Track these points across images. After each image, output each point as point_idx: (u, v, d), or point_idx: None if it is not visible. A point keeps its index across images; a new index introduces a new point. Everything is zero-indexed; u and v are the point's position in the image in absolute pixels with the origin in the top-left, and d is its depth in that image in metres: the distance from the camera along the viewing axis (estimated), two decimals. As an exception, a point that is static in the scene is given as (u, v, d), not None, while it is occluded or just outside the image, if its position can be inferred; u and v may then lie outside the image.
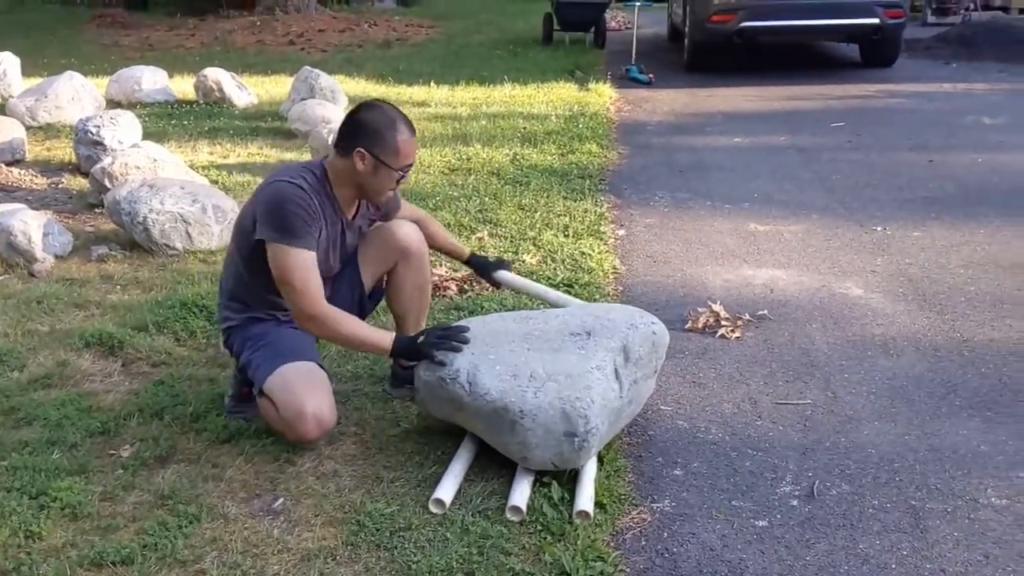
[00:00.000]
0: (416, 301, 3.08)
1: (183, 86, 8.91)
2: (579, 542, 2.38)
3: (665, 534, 2.46)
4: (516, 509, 2.49)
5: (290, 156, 6.42)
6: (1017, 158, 6.23)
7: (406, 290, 3.04)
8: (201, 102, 8.35)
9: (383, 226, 3.04)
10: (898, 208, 5.25)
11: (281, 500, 2.59)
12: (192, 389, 3.19)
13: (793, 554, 2.37)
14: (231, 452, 2.81)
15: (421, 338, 2.78)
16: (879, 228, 4.90)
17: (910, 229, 4.87)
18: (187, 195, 4.58)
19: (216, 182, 5.67)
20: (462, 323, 2.89)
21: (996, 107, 7.98)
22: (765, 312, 3.83)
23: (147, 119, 7.49)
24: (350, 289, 3.02)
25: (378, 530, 2.44)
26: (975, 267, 4.31)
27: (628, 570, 2.32)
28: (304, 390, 2.70)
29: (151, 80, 8.55)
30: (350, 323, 2.74)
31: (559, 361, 2.67)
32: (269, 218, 2.68)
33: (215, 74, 8.41)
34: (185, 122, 7.55)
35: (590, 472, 2.63)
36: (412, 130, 2.80)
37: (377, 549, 2.37)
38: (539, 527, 2.45)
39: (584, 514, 2.47)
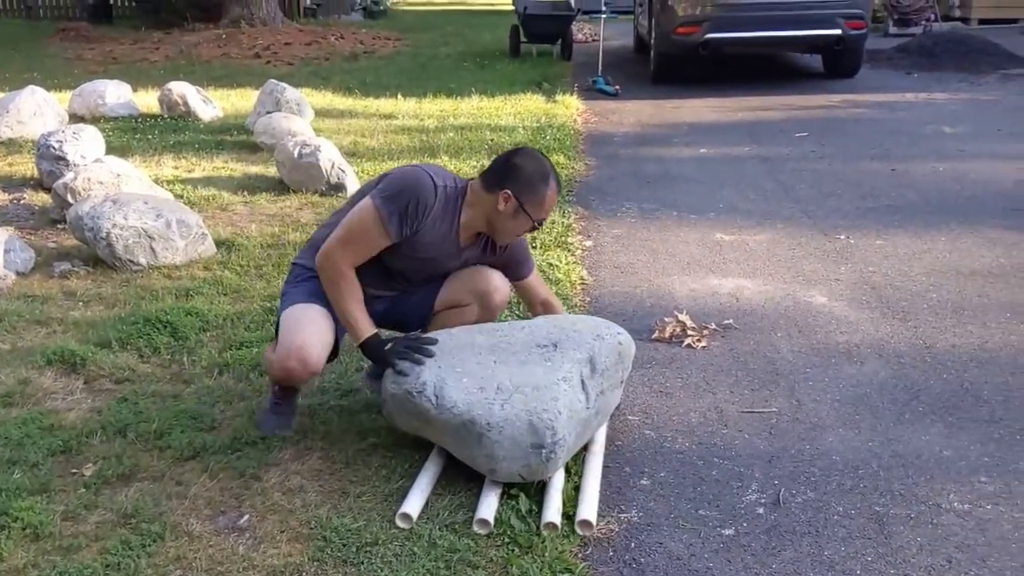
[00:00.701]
0: None
1: (147, 100, 8.85)
2: (546, 554, 2.37)
3: (632, 544, 2.46)
4: (483, 522, 2.48)
5: (255, 169, 6.39)
6: (977, 166, 6.33)
7: (455, 325, 3.00)
8: (166, 116, 8.29)
9: (487, 271, 3.02)
10: (861, 217, 5.31)
11: (246, 517, 2.56)
12: (156, 406, 3.16)
13: (759, 562, 2.38)
14: (195, 469, 2.79)
15: (389, 345, 2.78)
16: (842, 237, 4.95)
17: (873, 237, 4.93)
18: (151, 210, 4.54)
19: (181, 197, 5.63)
20: (430, 335, 2.89)
21: (956, 116, 8.11)
22: (731, 321, 3.86)
23: (111, 133, 7.42)
24: (420, 306, 3.04)
25: (344, 545, 2.42)
26: (937, 274, 4.37)
27: (596, 581, 2.32)
28: (301, 328, 2.76)
29: (115, 94, 8.47)
30: (348, 293, 2.76)
31: (526, 373, 2.67)
32: (390, 185, 2.75)
33: (180, 88, 8.36)
34: (149, 136, 7.49)
35: (557, 484, 2.63)
36: (560, 187, 2.87)
37: (344, 565, 2.36)
38: (506, 540, 2.44)
39: (552, 526, 2.47)
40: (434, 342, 2.80)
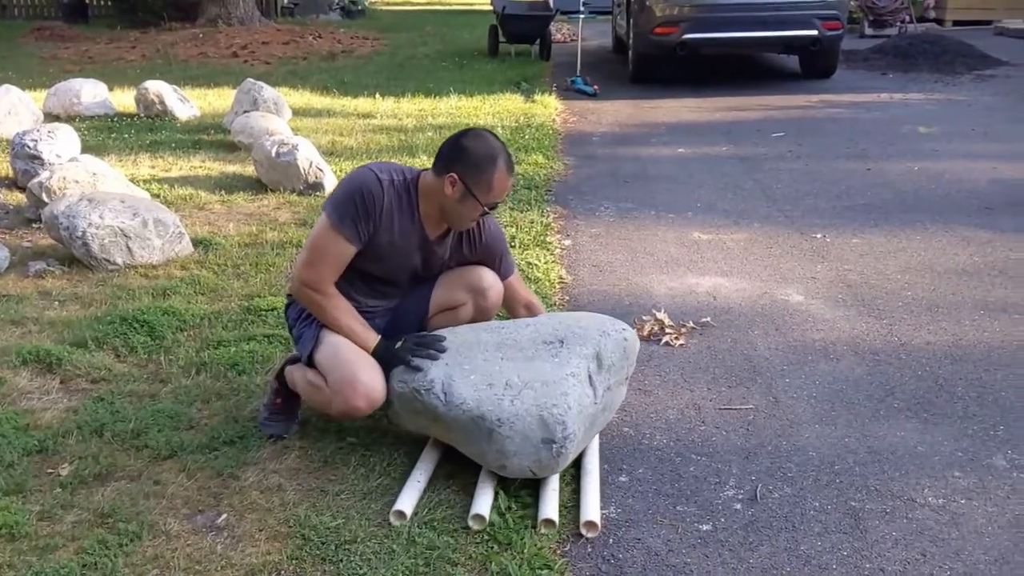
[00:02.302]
0: None
1: (124, 99, 8.79)
2: (526, 550, 2.38)
3: (611, 540, 2.47)
4: (479, 517, 2.49)
5: (233, 169, 6.36)
6: (951, 166, 6.39)
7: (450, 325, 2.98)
8: (142, 115, 8.24)
9: (480, 268, 2.99)
10: (837, 216, 5.35)
11: (224, 516, 2.56)
12: (133, 405, 3.14)
13: (736, 557, 2.40)
14: (173, 468, 2.78)
15: (399, 344, 2.76)
16: (819, 235, 4.99)
17: (849, 236, 4.97)
18: (127, 209, 4.51)
19: (158, 196, 5.60)
20: (437, 333, 2.87)
21: (931, 116, 8.18)
22: (708, 319, 3.88)
23: (86, 133, 7.37)
24: (416, 311, 3.01)
25: (323, 544, 2.42)
26: (912, 272, 4.41)
27: (574, 577, 2.33)
28: (356, 361, 2.70)
29: (91, 93, 8.41)
30: (340, 310, 2.74)
31: (533, 369, 2.67)
32: (336, 193, 2.74)
33: (156, 87, 8.31)
34: (126, 135, 7.44)
35: (553, 481, 2.63)
36: (511, 169, 2.78)
37: (322, 563, 2.36)
38: (486, 537, 2.45)
39: (550, 522, 2.48)
40: (443, 339, 2.79)
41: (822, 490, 2.68)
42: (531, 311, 3.09)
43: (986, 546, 2.42)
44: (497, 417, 2.56)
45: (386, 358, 2.77)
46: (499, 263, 3.02)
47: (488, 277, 2.98)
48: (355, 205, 2.67)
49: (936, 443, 2.92)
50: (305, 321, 2.85)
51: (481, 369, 2.68)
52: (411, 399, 2.69)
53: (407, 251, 2.82)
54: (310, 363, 2.78)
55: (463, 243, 2.93)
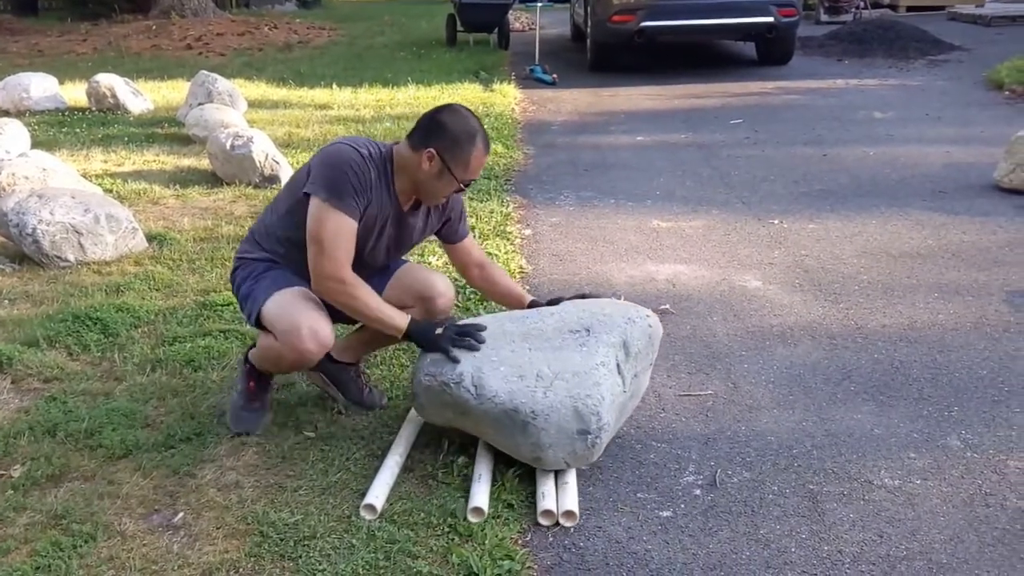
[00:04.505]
0: (382, 343, 3.02)
1: (75, 93, 8.64)
2: (487, 542, 2.37)
3: (572, 529, 2.47)
4: (478, 510, 2.48)
5: (187, 163, 6.28)
6: (906, 151, 6.46)
7: None
8: (94, 109, 8.11)
9: (422, 269, 3.00)
10: (794, 201, 5.39)
11: (181, 514, 2.52)
12: (86, 404, 3.09)
13: (697, 542, 2.41)
14: (128, 467, 2.73)
15: (439, 330, 2.72)
16: (776, 221, 5.02)
17: (805, 221, 5.01)
18: (79, 205, 4.43)
19: (111, 191, 5.51)
20: (476, 321, 2.83)
21: (885, 102, 8.27)
22: (668, 306, 3.89)
23: (36, 127, 7.24)
24: None
25: (282, 540, 2.39)
26: (868, 256, 4.45)
27: (536, 567, 2.33)
28: (297, 308, 2.66)
29: (40, 87, 8.27)
30: (366, 294, 2.68)
31: (562, 359, 2.64)
32: (321, 173, 2.63)
33: (108, 80, 8.18)
34: (77, 130, 7.31)
35: (548, 473, 2.63)
36: (488, 146, 2.75)
37: (281, 559, 2.33)
38: (446, 529, 2.44)
39: (549, 513, 2.49)
40: (483, 328, 2.75)
41: (780, 474, 2.70)
42: (483, 271, 3.07)
43: (941, 525, 2.45)
44: (531, 409, 2.54)
45: (423, 341, 2.72)
46: (458, 224, 3.00)
47: (439, 285, 2.97)
48: (348, 180, 2.61)
49: (892, 425, 2.96)
50: (254, 278, 2.80)
51: (510, 360, 2.64)
52: (439, 392, 2.64)
53: (387, 226, 2.79)
54: (258, 325, 2.76)
55: (431, 212, 2.90)
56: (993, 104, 8.08)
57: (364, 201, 2.65)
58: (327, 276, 2.64)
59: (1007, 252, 4.43)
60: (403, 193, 2.77)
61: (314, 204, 2.63)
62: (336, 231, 2.61)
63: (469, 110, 2.77)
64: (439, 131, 2.67)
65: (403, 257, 3.07)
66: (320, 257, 2.63)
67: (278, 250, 2.83)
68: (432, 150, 2.65)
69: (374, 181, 2.67)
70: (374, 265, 2.88)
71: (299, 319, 2.64)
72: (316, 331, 2.64)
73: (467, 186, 2.76)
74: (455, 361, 2.64)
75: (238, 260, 2.92)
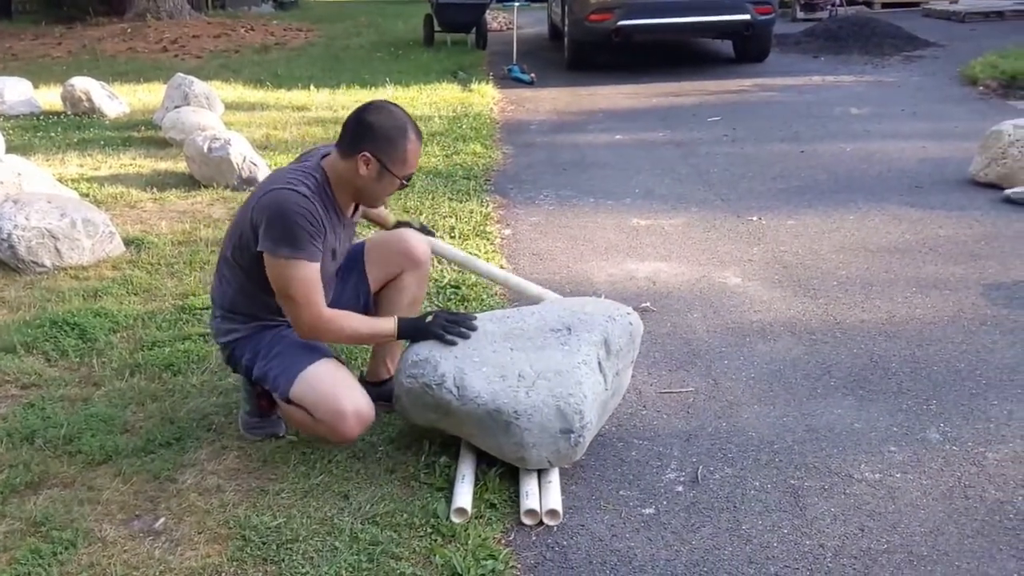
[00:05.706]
0: (405, 312, 2.96)
1: (49, 97, 8.57)
2: (470, 542, 2.37)
3: (555, 527, 2.47)
4: (461, 511, 2.47)
5: (164, 166, 6.24)
6: (882, 146, 6.51)
7: (403, 301, 2.94)
8: (69, 113, 8.04)
9: (397, 233, 2.99)
10: (772, 198, 5.41)
11: (162, 520, 2.51)
12: (65, 410, 3.06)
13: (679, 539, 2.41)
14: (108, 473, 2.71)
15: (428, 319, 2.71)
16: (755, 218, 5.05)
17: (784, 218, 5.03)
18: (55, 209, 4.39)
19: (87, 195, 5.47)
20: (468, 313, 2.83)
21: (862, 98, 8.32)
22: (648, 304, 3.90)
23: (11, 132, 7.18)
24: (355, 296, 2.93)
25: (264, 544, 2.38)
26: (846, 252, 4.48)
27: (519, 566, 2.33)
28: (336, 389, 2.60)
29: (15, 91, 8.20)
30: (351, 320, 2.66)
31: (544, 359, 2.64)
32: (271, 230, 2.53)
33: (84, 83, 8.11)
34: (52, 134, 7.25)
35: (531, 473, 2.63)
36: (420, 137, 2.69)
37: (264, 563, 2.32)
38: (429, 530, 2.43)
39: (532, 512, 2.49)
40: (474, 317, 2.75)
41: (762, 469, 2.72)
42: (382, 222, 3.15)
43: (921, 518, 2.47)
44: (514, 410, 2.53)
45: (413, 333, 2.71)
46: None
47: (407, 235, 2.97)
48: (302, 228, 2.53)
49: (872, 419, 2.98)
50: (266, 356, 2.72)
51: (492, 361, 2.64)
52: (421, 394, 2.63)
53: (338, 242, 2.76)
54: (288, 401, 2.67)
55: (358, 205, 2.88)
56: (968, 99, 8.15)
57: (320, 239, 2.59)
58: (310, 326, 2.60)
59: (983, 246, 4.47)
60: (345, 205, 2.74)
61: (273, 262, 2.56)
62: (304, 281, 2.55)
63: (393, 104, 2.72)
64: (368, 132, 2.61)
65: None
66: (297, 310, 2.58)
67: (257, 313, 2.77)
68: (366, 153, 2.59)
69: (322, 214, 2.61)
70: (334, 271, 2.86)
71: (342, 404, 2.57)
72: (360, 414, 2.59)
73: (408, 181, 2.71)
74: (451, 344, 2.64)
75: (226, 344, 2.82)
